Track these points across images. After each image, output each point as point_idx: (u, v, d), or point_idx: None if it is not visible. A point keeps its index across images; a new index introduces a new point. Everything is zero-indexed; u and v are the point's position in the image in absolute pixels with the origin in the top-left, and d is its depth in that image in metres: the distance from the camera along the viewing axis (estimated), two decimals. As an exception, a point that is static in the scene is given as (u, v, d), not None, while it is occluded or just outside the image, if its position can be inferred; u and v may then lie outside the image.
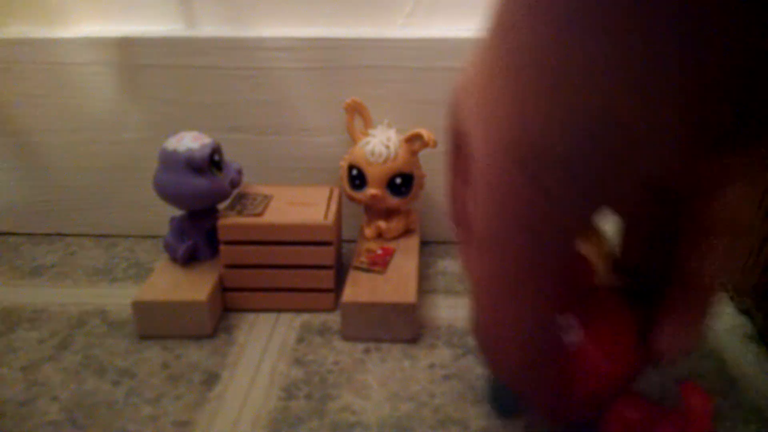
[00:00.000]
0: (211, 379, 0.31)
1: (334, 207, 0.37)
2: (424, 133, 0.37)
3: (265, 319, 0.36)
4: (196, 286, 0.35)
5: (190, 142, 0.35)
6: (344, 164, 0.39)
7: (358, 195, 0.39)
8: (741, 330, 0.35)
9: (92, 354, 0.33)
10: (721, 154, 0.16)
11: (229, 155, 0.37)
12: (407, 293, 0.34)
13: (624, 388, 0.21)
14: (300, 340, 0.34)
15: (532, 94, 0.13)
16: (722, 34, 0.11)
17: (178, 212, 0.38)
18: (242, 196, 0.38)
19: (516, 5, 0.13)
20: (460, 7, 0.41)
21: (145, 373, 0.32)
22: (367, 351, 0.33)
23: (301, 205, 0.37)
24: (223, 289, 0.36)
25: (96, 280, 0.41)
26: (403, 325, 0.34)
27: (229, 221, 0.35)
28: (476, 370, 0.31)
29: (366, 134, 0.39)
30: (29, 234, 0.46)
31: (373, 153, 0.37)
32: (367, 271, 0.36)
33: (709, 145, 0.14)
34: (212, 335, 0.35)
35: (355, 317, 0.34)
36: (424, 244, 0.41)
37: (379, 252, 0.38)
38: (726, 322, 0.36)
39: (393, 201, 0.38)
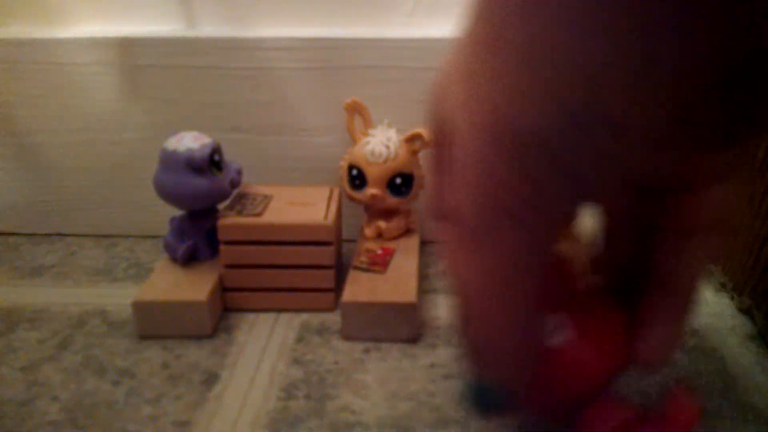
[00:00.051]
0: (210, 379, 0.31)
1: (334, 207, 0.37)
2: (425, 132, 0.37)
3: (264, 319, 0.36)
4: (196, 286, 0.35)
5: (190, 142, 0.35)
6: (344, 164, 0.39)
7: (358, 195, 0.39)
8: (741, 330, 0.35)
9: (92, 354, 0.33)
10: (707, 152, 0.16)
11: (229, 155, 0.37)
12: (407, 293, 0.34)
13: (606, 387, 0.21)
14: (299, 339, 0.34)
15: (519, 82, 0.13)
16: (719, 31, 0.11)
17: (178, 212, 0.38)
18: (242, 196, 0.38)
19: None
20: (460, 7, 0.41)
21: (145, 373, 0.32)
22: (366, 351, 0.33)
23: (301, 205, 0.37)
24: (223, 289, 0.36)
25: (96, 280, 0.41)
26: (403, 325, 0.34)
27: (229, 221, 0.35)
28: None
29: (366, 134, 0.39)
30: (29, 234, 0.46)
31: (373, 153, 0.37)
32: (367, 270, 0.36)
33: (695, 143, 0.14)
34: (212, 335, 0.35)
35: (354, 317, 0.34)
36: (424, 244, 0.41)
37: (379, 252, 0.38)
38: (726, 322, 0.36)
39: (393, 201, 0.38)
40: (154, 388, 0.31)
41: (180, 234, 0.37)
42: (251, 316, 0.36)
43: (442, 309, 0.37)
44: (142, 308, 0.34)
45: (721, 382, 0.31)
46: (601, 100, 0.12)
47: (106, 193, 0.45)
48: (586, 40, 0.12)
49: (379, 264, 0.36)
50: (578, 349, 0.20)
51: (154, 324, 0.34)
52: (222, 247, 0.35)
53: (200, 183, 0.35)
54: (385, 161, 0.37)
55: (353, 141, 0.39)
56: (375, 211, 0.40)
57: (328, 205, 0.37)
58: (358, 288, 0.34)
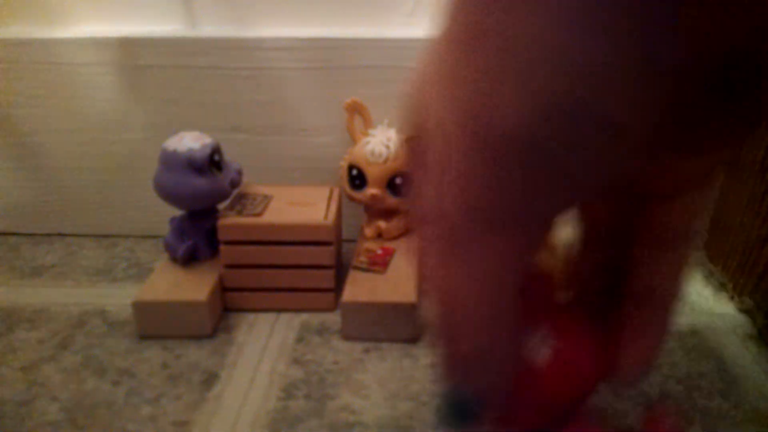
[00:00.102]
0: (210, 379, 0.31)
1: (334, 207, 0.37)
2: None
3: (264, 319, 0.36)
4: (196, 286, 0.35)
5: (190, 142, 0.35)
6: (344, 164, 0.39)
7: (358, 195, 0.39)
8: (741, 330, 0.35)
9: (92, 354, 0.33)
10: (695, 155, 0.16)
11: (229, 155, 0.37)
12: (407, 293, 0.34)
13: (580, 404, 0.21)
14: (299, 339, 0.34)
15: (503, 82, 0.13)
16: (720, 30, 0.11)
17: (178, 212, 0.38)
18: (242, 196, 0.38)
19: None
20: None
21: (145, 373, 0.32)
22: (366, 351, 0.33)
23: (301, 205, 0.37)
24: (223, 289, 0.36)
25: (96, 280, 0.41)
26: (403, 325, 0.34)
27: (229, 221, 0.35)
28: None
29: (366, 134, 0.39)
30: (29, 234, 0.46)
31: (373, 153, 0.37)
32: (367, 270, 0.36)
33: (687, 145, 0.14)
34: (212, 335, 0.35)
35: (354, 317, 0.34)
36: (424, 244, 0.41)
37: (379, 252, 0.38)
38: (726, 322, 0.36)
39: (393, 201, 0.38)
40: (153, 388, 0.31)
41: (180, 234, 0.37)
42: (251, 316, 0.36)
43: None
44: (142, 308, 0.34)
45: (721, 382, 0.31)
46: (599, 100, 0.12)
47: (106, 193, 0.45)
48: (585, 39, 0.11)
49: (379, 264, 0.36)
50: (559, 364, 0.20)
51: (154, 324, 0.34)
52: (222, 247, 0.35)
53: (200, 183, 0.35)
54: (385, 161, 0.37)
55: (353, 141, 0.39)
56: (375, 211, 0.40)
57: (328, 205, 0.37)
58: (358, 288, 0.34)
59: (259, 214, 0.36)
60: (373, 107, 0.40)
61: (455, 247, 0.16)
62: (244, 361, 0.33)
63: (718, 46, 0.11)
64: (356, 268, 0.36)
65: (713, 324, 0.36)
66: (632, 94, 0.12)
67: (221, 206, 0.37)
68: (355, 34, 0.40)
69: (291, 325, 0.36)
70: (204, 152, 0.35)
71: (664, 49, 0.11)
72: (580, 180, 0.14)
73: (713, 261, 0.41)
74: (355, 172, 0.38)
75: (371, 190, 0.38)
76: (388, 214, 0.40)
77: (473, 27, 0.13)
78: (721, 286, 0.39)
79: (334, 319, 0.36)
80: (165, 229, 0.38)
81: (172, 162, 0.35)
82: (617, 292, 0.20)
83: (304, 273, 0.36)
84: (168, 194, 0.36)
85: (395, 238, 0.40)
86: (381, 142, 0.37)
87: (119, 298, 0.38)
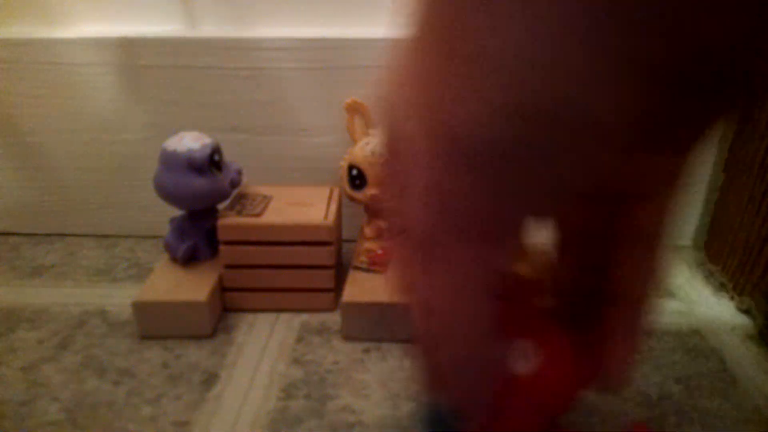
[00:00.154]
0: (210, 379, 0.31)
1: (334, 207, 0.37)
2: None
3: (264, 320, 0.36)
4: (196, 286, 0.35)
5: (190, 142, 0.35)
6: (344, 164, 0.39)
7: (358, 195, 0.39)
8: (741, 330, 0.35)
9: (92, 354, 0.33)
10: (670, 154, 0.16)
11: (229, 155, 0.38)
12: (407, 293, 0.34)
13: (560, 413, 0.21)
14: (299, 340, 0.34)
15: (475, 86, 0.12)
16: (701, 29, 0.11)
17: (178, 212, 0.38)
18: (242, 197, 0.38)
19: None
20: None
21: (145, 373, 0.32)
22: (366, 351, 0.33)
23: (301, 206, 0.37)
24: (222, 289, 0.36)
25: (96, 280, 0.41)
26: (403, 325, 0.34)
27: (228, 221, 0.35)
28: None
29: (366, 134, 0.39)
30: (29, 234, 0.46)
31: (373, 153, 0.37)
32: (367, 270, 0.36)
33: (663, 144, 0.14)
34: (212, 335, 0.35)
35: (355, 317, 0.34)
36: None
37: (379, 252, 0.38)
38: (726, 322, 0.36)
39: (393, 201, 0.38)
40: (154, 388, 0.31)
41: (180, 234, 0.37)
42: (251, 317, 0.36)
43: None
44: (142, 308, 0.34)
45: (721, 382, 0.31)
46: (576, 102, 0.12)
47: (106, 193, 0.45)
48: (562, 43, 0.11)
49: (379, 264, 0.36)
50: (540, 373, 0.19)
51: (154, 324, 0.34)
52: (222, 247, 0.35)
53: (200, 183, 0.35)
54: (385, 161, 0.37)
55: (353, 141, 0.39)
56: (375, 211, 0.40)
57: (328, 205, 0.37)
58: (358, 288, 0.34)
59: (258, 215, 0.36)
60: (373, 107, 0.40)
61: (430, 257, 0.16)
62: (244, 361, 0.33)
63: (695, 46, 0.11)
64: (356, 268, 0.36)
65: (713, 324, 0.36)
66: (609, 96, 0.12)
67: (221, 206, 0.37)
68: (355, 34, 0.40)
69: (291, 325, 0.36)
70: (204, 152, 0.35)
71: (642, 50, 0.11)
72: (553, 185, 0.14)
73: (713, 261, 0.41)
74: (355, 172, 0.38)
75: (371, 190, 0.38)
76: (388, 214, 0.40)
77: (445, 32, 0.13)
78: (721, 286, 0.39)
79: (334, 319, 0.36)
80: (165, 229, 0.38)
81: (172, 162, 0.35)
82: (597, 297, 0.20)
83: (304, 273, 0.36)
84: (168, 194, 0.36)
85: (395, 238, 0.40)
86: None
87: (119, 298, 0.38)
